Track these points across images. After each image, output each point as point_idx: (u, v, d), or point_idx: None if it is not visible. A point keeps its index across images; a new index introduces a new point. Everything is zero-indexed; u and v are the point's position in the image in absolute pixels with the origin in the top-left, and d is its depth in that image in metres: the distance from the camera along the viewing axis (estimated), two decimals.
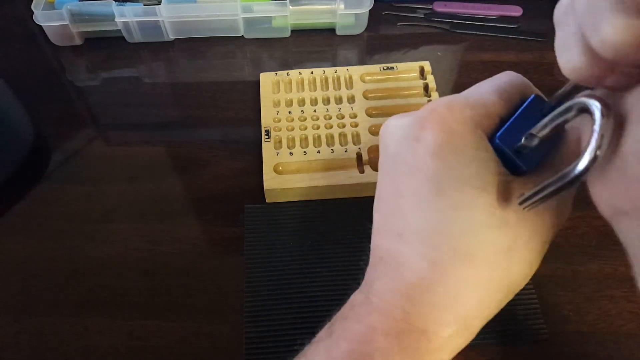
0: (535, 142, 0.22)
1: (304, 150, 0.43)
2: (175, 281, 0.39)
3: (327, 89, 0.48)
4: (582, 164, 0.18)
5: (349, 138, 0.44)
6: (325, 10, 0.54)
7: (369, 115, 0.46)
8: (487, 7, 0.58)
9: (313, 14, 0.55)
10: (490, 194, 0.21)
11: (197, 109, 0.50)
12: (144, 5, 0.52)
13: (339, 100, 0.47)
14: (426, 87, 0.48)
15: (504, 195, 0.22)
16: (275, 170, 0.42)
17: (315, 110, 0.46)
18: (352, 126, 0.45)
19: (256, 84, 0.49)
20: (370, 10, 0.54)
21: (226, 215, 0.42)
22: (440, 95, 0.47)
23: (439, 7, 0.58)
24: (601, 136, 0.17)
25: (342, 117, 0.45)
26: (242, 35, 0.56)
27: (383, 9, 0.58)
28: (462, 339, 0.24)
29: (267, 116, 0.46)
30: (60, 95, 0.52)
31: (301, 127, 0.45)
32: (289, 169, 0.43)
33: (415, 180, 0.22)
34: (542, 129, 0.21)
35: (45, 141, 0.48)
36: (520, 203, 0.21)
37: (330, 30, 0.57)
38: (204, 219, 0.42)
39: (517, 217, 0.22)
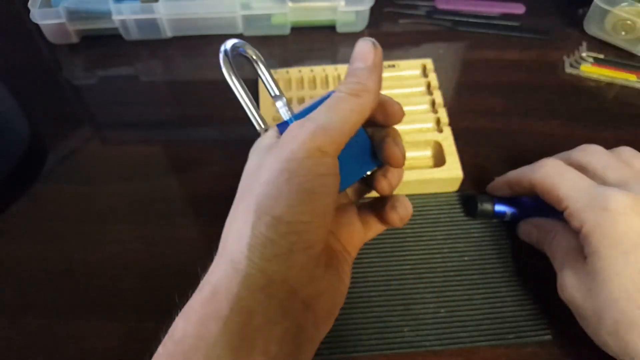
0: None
1: None
2: (173, 283, 0.38)
3: (328, 87, 0.47)
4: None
5: None
6: (325, 8, 0.53)
7: None
8: (489, 5, 0.58)
9: (313, 11, 0.54)
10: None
11: (195, 108, 0.49)
12: (142, 2, 0.52)
13: None
14: (428, 85, 0.47)
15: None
16: None
17: None
18: None
19: (255, 83, 0.48)
20: (371, 7, 0.53)
21: (225, 216, 0.41)
22: (443, 93, 0.46)
23: (441, 5, 0.58)
24: None
25: None
26: (241, 33, 0.55)
27: (384, 6, 0.58)
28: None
29: (266, 115, 0.45)
30: (57, 94, 0.52)
31: None
32: None
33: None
34: None
35: (40, 140, 0.47)
36: None
37: (330, 28, 0.56)
38: (202, 219, 0.42)
39: None
